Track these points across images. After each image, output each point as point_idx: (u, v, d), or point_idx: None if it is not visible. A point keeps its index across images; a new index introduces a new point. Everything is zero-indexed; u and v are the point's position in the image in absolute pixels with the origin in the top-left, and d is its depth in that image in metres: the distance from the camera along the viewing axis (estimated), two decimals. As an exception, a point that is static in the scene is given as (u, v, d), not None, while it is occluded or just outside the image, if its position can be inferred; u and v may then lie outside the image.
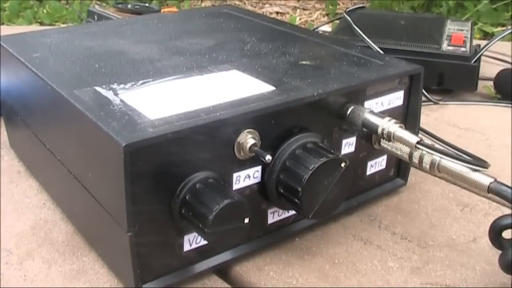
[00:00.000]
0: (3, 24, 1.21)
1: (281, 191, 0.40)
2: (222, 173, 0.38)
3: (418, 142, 0.40)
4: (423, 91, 0.57)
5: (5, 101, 0.55)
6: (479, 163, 0.39)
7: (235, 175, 0.39)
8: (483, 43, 0.78)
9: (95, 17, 0.89)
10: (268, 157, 0.37)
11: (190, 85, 0.42)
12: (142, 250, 0.36)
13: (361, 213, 0.49)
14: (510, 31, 0.79)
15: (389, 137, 0.42)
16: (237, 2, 1.51)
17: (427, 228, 0.47)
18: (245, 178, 0.40)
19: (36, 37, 0.55)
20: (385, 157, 0.50)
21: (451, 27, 0.79)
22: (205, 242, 0.39)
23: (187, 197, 0.36)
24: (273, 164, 0.40)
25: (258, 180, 0.41)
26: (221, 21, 0.62)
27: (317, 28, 1.06)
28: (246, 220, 0.36)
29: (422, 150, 0.41)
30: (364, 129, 0.44)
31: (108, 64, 0.47)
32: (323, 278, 0.41)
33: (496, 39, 0.76)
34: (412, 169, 0.52)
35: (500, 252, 0.38)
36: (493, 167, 0.40)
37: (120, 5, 0.95)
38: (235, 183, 0.40)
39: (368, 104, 0.46)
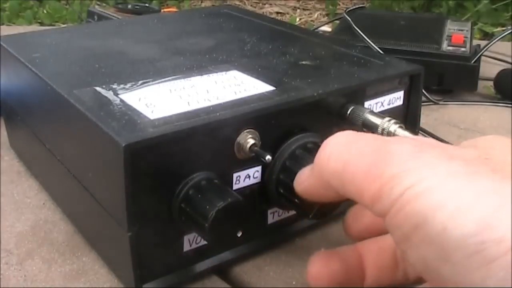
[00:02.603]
0: (3, 24, 1.21)
1: (281, 191, 0.40)
2: (222, 173, 0.38)
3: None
4: (423, 91, 0.57)
5: (5, 101, 0.55)
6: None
7: (235, 175, 0.39)
8: (483, 43, 0.78)
9: (95, 17, 0.89)
10: (268, 157, 0.37)
11: (190, 85, 0.42)
12: (142, 250, 0.36)
13: (361, 213, 0.49)
14: (510, 31, 0.79)
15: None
16: (237, 2, 1.51)
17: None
18: (245, 178, 0.40)
19: (36, 37, 0.55)
20: (385, 157, 0.49)
21: (451, 27, 0.79)
22: (205, 242, 0.39)
23: (187, 197, 0.36)
24: (273, 164, 0.40)
25: (258, 180, 0.41)
26: (221, 21, 0.62)
27: (317, 28, 1.06)
28: (239, 234, 0.36)
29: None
30: (364, 129, 0.44)
31: (108, 64, 0.46)
32: (323, 278, 0.41)
33: (496, 39, 0.76)
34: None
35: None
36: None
37: (120, 5, 0.95)
38: (235, 183, 0.39)
39: (368, 104, 0.46)
